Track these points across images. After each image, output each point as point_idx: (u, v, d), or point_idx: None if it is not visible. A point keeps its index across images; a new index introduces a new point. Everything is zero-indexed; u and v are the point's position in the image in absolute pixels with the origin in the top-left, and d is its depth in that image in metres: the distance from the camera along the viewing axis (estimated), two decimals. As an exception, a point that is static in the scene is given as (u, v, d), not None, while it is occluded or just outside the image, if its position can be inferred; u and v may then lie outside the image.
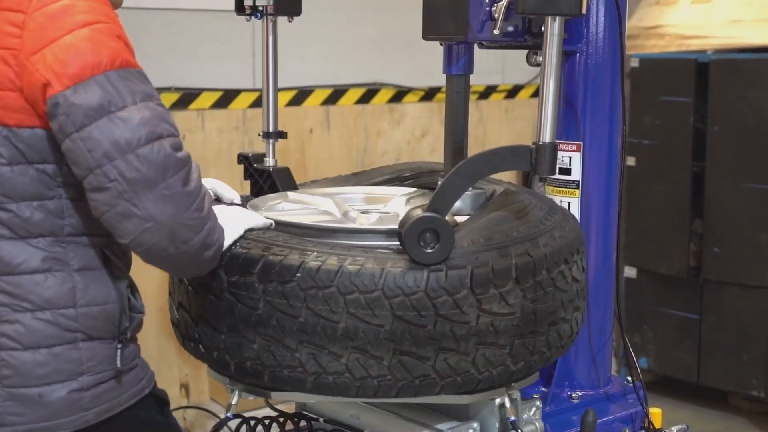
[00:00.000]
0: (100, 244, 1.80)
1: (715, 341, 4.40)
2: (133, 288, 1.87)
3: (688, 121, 4.35)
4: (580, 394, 2.48)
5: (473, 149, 2.36)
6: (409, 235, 1.81)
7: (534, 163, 1.93)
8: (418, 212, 1.86)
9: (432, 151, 4.75)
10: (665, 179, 4.46)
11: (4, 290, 1.74)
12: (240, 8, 2.48)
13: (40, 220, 1.73)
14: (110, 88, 1.64)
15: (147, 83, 1.71)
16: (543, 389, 2.47)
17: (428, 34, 2.24)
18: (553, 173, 1.99)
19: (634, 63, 4.53)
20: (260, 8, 2.43)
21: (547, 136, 1.96)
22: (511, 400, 2.02)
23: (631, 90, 4.48)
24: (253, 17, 2.45)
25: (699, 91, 4.33)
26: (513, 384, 1.99)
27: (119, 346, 1.81)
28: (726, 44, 4.35)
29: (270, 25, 2.47)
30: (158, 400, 1.96)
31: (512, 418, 2.04)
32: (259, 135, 2.52)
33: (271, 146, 2.48)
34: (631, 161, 4.53)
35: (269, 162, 2.46)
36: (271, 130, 2.49)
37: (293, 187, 2.41)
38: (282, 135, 2.49)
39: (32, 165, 1.71)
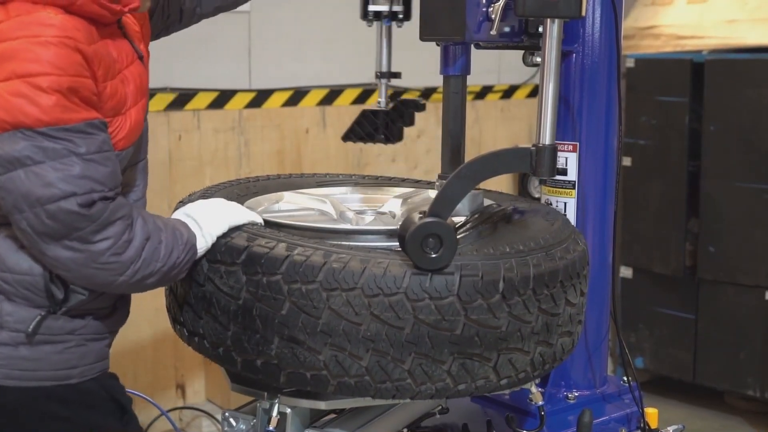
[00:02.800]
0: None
1: (711, 340, 4.40)
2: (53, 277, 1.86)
3: (684, 120, 4.36)
4: (576, 394, 2.48)
5: (469, 149, 2.37)
6: (412, 241, 1.80)
7: (534, 165, 1.93)
8: (418, 216, 1.85)
9: (427, 151, 4.75)
10: (661, 179, 4.47)
11: None
12: (365, 14, 2.58)
13: None
14: (34, 143, 1.66)
15: (83, 137, 1.70)
16: (540, 389, 2.47)
17: (425, 35, 2.24)
18: (553, 175, 1.99)
19: (630, 63, 4.53)
20: (384, 13, 2.54)
21: (546, 138, 1.95)
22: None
23: (626, 90, 4.48)
24: (375, 21, 2.58)
25: (694, 91, 4.34)
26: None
27: (42, 313, 1.82)
28: (721, 44, 4.35)
29: (385, 29, 2.59)
30: (118, 404, 1.96)
31: (539, 402, 2.08)
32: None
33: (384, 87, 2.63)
34: (627, 161, 4.54)
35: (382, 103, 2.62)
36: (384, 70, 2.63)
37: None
38: (396, 75, 2.62)
39: None
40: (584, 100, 2.43)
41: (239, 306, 1.87)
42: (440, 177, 2.24)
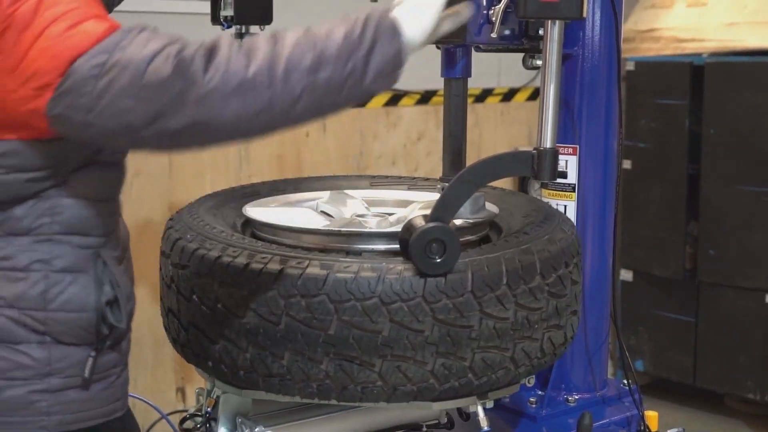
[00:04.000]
0: (95, 245, 1.72)
1: (710, 343, 4.40)
2: (116, 303, 1.74)
3: (684, 123, 4.36)
4: (576, 397, 2.48)
5: (469, 152, 2.37)
6: (416, 246, 1.79)
7: (536, 168, 1.93)
8: (420, 221, 1.84)
9: (428, 154, 4.75)
10: (661, 182, 4.47)
11: None
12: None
13: (23, 218, 1.65)
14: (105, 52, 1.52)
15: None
16: (539, 392, 2.47)
17: (425, 37, 2.23)
18: (554, 179, 1.98)
19: (630, 66, 4.53)
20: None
21: (548, 142, 1.95)
22: (484, 409, 2.01)
23: (626, 93, 4.48)
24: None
25: (694, 93, 4.34)
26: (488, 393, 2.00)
27: (93, 354, 1.72)
28: (721, 47, 4.35)
29: None
30: None
31: (485, 428, 2.00)
32: None
33: None
34: (626, 164, 4.54)
35: None
36: None
37: None
38: None
39: (26, 172, 1.63)
40: (584, 103, 2.43)
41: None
42: (442, 180, 2.24)
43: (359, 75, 1.56)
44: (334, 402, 1.88)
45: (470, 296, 1.82)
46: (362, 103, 4.53)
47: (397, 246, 1.90)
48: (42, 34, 1.53)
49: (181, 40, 1.54)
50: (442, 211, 1.85)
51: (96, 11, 1.58)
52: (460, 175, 1.89)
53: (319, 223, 2.25)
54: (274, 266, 1.83)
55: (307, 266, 1.82)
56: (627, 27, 4.65)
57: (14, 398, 1.67)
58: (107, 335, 1.73)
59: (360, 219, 2.25)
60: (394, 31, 1.58)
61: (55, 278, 1.68)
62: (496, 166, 1.93)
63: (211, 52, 1.52)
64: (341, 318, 1.79)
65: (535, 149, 1.94)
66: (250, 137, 1.59)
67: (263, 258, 1.85)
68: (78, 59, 1.51)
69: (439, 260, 1.79)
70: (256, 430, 2.02)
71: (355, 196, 2.43)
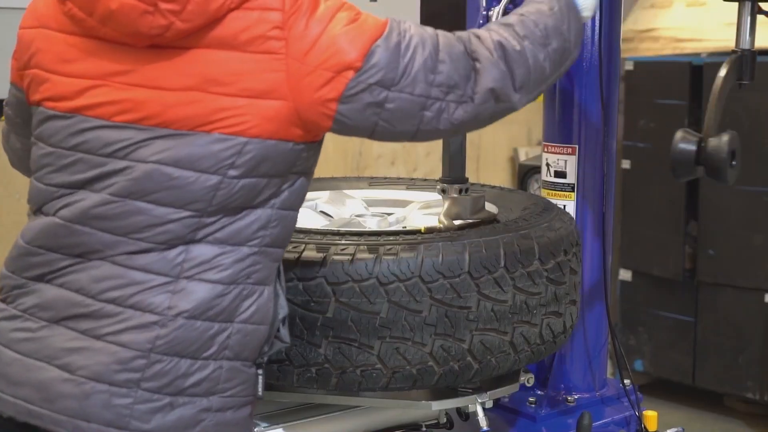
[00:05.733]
0: (281, 256, 1.70)
1: (710, 343, 4.40)
2: (286, 318, 1.73)
3: (683, 123, 4.36)
4: (575, 396, 2.48)
5: (469, 152, 2.37)
6: (723, 158, 1.99)
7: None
8: (685, 135, 2.06)
9: (427, 154, 4.75)
10: (660, 182, 4.47)
11: (177, 294, 1.59)
12: None
13: (244, 228, 1.61)
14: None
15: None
16: (539, 392, 2.47)
17: (424, 38, 2.24)
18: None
19: (629, 66, 4.53)
20: None
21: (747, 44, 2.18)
22: (483, 408, 2.02)
23: (625, 93, 4.49)
24: None
25: (693, 93, 4.34)
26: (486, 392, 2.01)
27: (260, 372, 1.68)
28: (720, 47, 4.35)
29: None
30: None
31: (485, 428, 2.01)
32: None
33: None
34: (626, 164, 4.54)
35: None
36: None
37: None
38: None
39: (264, 178, 1.60)
40: (583, 102, 2.43)
41: None
42: (441, 181, 2.24)
43: (571, 45, 1.79)
44: (332, 390, 1.89)
45: (467, 277, 1.84)
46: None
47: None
48: (333, 19, 1.59)
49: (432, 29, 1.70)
50: (713, 124, 2.05)
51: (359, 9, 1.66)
52: (712, 95, 2.11)
53: (319, 223, 2.25)
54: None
55: (303, 250, 1.83)
56: (626, 27, 4.65)
57: (186, 417, 1.60)
58: (266, 352, 1.69)
59: (359, 219, 2.25)
60: (575, 7, 1.82)
61: (249, 291, 1.63)
62: (731, 76, 2.16)
63: (477, 36, 1.70)
64: (339, 300, 1.80)
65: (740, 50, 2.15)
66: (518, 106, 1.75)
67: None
68: (377, 41, 1.59)
69: (734, 165, 2.00)
70: (256, 430, 2.02)
71: (354, 196, 2.43)
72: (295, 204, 1.68)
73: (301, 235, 1.93)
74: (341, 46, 1.57)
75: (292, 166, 1.63)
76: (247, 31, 1.55)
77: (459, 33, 1.69)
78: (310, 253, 1.85)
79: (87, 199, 1.60)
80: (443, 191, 2.20)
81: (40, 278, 1.64)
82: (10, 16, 3.13)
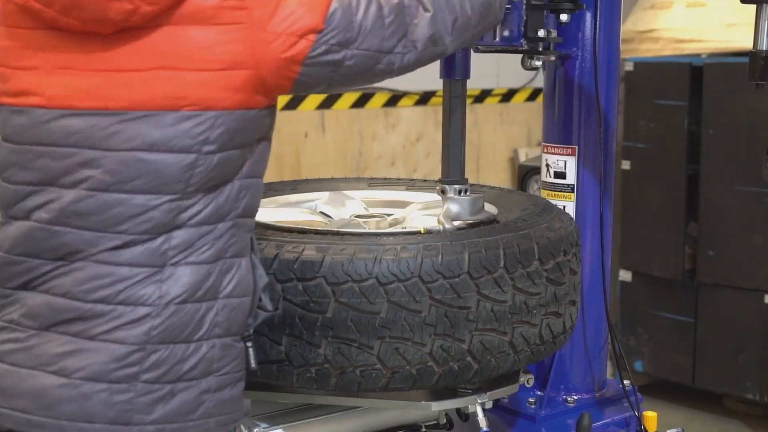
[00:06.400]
0: (252, 226, 1.71)
1: (710, 344, 4.40)
2: (267, 286, 1.75)
3: (683, 124, 4.36)
4: (575, 397, 2.48)
5: (468, 153, 2.37)
6: None
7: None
8: None
9: (427, 154, 4.76)
10: (660, 182, 4.47)
11: (165, 282, 1.59)
12: None
13: (222, 204, 1.62)
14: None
15: None
16: (539, 393, 2.47)
17: (424, 38, 2.24)
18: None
19: (629, 67, 4.53)
20: None
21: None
22: (483, 409, 2.02)
23: (625, 93, 4.48)
24: None
25: (693, 94, 4.34)
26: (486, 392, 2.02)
27: (249, 344, 1.70)
28: (720, 48, 4.35)
29: None
30: None
31: (484, 429, 2.01)
32: None
33: None
34: (626, 165, 4.54)
35: None
36: None
37: None
38: None
39: (238, 149, 1.62)
40: (583, 103, 2.43)
41: None
42: (440, 181, 2.24)
43: (496, 4, 1.92)
44: (332, 390, 1.89)
45: (467, 277, 1.85)
46: (361, 104, 4.53)
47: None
48: None
49: None
50: None
51: None
52: None
53: (319, 223, 2.25)
54: (270, 251, 1.84)
55: (303, 250, 1.83)
56: (626, 27, 4.65)
57: (189, 402, 1.61)
58: (251, 324, 1.71)
59: (359, 219, 2.25)
60: None
61: (228, 265, 1.65)
62: None
63: None
64: (338, 300, 1.80)
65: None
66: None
67: (259, 244, 1.86)
68: (333, 2, 1.65)
69: None
70: (255, 430, 2.02)
71: (353, 196, 2.43)
72: (259, 171, 1.70)
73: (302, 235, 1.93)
74: (302, 10, 1.61)
75: (258, 134, 1.66)
76: (211, 3, 1.57)
77: None
78: (310, 253, 1.85)
79: (63, 197, 1.58)
80: (443, 192, 2.19)
81: (23, 286, 1.63)
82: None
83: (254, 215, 1.71)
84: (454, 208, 2.15)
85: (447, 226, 2.05)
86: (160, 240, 1.58)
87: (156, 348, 1.58)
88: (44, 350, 1.60)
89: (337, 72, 1.68)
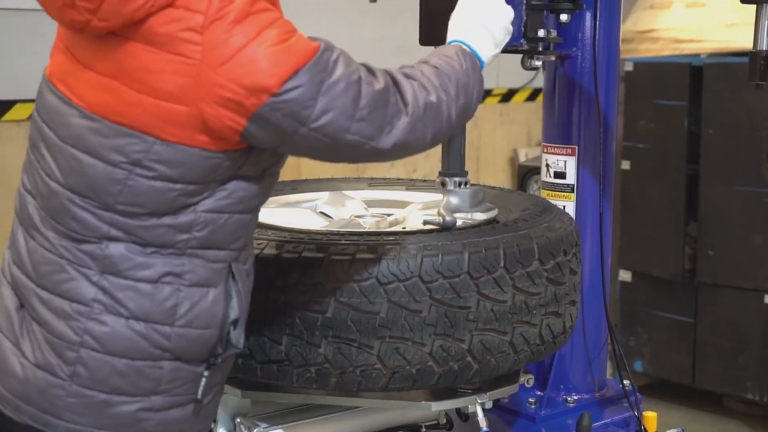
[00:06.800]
0: (228, 258, 1.65)
1: (710, 344, 4.40)
2: (238, 321, 1.68)
3: (683, 124, 4.36)
4: (575, 397, 2.48)
5: (468, 153, 2.37)
6: None
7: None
8: None
9: (427, 155, 4.75)
10: (660, 182, 4.47)
11: (105, 289, 1.58)
12: None
13: (163, 233, 1.58)
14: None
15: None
16: (539, 393, 2.47)
17: (426, 40, 2.24)
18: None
19: (629, 67, 4.53)
20: None
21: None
22: (483, 409, 2.02)
23: (625, 93, 4.49)
24: None
25: (693, 94, 4.34)
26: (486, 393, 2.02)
27: (206, 374, 1.65)
28: (720, 48, 4.35)
29: None
30: None
31: (484, 429, 2.01)
32: None
33: None
34: (625, 165, 4.54)
35: None
36: None
37: None
38: None
39: (177, 183, 1.56)
40: (583, 103, 2.43)
41: None
42: (441, 174, 2.24)
43: (473, 103, 1.81)
44: (332, 390, 1.89)
45: (467, 277, 1.85)
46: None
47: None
48: (260, 35, 1.51)
49: (362, 67, 1.65)
50: None
51: (293, 27, 1.60)
52: None
53: (318, 223, 2.25)
54: (270, 251, 1.84)
55: (303, 250, 1.84)
56: (626, 27, 4.65)
57: (124, 415, 1.61)
58: (220, 354, 1.66)
59: (359, 219, 2.25)
60: (478, 67, 1.84)
61: (186, 293, 1.61)
62: None
63: (394, 82, 1.68)
64: (339, 300, 1.80)
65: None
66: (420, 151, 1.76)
67: (259, 244, 1.87)
68: (301, 68, 1.52)
69: None
70: (255, 431, 2.02)
71: (353, 196, 2.43)
72: (228, 207, 1.62)
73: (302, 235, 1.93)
74: (261, 65, 1.50)
75: (211, 174, 1.58)
76: (166, 27, 1.51)
77: (386, 78, 1.67)
78: (311, 253, 1.85)
79: (35, 175, 1.65)
80: (442, 184, 2.19)
81: (12, 246, 1.70)
82: (10, 16, 3.13)
83: (227, 248, 1.64)
84: (454, 200, 2.15)
85: (447, 218, 2.04)
86: (99, 245, 1.59)
87: (90, 354, 1.59)
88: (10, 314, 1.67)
89: (286, 144, 1.58)
